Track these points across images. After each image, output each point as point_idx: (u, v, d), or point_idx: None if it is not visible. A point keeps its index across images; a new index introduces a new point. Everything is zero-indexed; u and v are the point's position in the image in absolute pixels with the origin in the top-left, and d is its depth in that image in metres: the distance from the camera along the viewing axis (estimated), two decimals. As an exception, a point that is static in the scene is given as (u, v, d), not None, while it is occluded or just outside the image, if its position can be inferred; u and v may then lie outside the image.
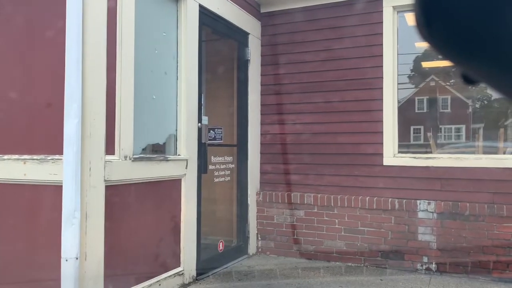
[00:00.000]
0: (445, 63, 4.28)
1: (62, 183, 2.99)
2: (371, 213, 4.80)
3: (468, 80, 0.53)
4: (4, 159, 3.35)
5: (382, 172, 4.81)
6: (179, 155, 4.11)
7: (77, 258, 2.95)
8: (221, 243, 4.89)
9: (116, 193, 3.34)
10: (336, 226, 4.96)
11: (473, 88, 4.94)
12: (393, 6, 4.81)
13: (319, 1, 5.14)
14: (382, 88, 4.84)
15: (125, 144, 3.42)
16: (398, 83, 4.90)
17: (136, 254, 3.60)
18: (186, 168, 4.12)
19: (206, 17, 4.56)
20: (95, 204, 3.13)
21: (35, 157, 3.20)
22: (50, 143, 3.16)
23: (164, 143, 4.06)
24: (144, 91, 3.72)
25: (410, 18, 4.75)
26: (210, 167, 4.77)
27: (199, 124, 4.33)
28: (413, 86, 5.70)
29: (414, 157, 4.73)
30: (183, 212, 4.10)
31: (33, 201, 3.27)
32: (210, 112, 5.76)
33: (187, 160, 4.13)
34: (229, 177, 5.24)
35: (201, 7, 4.36)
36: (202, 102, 4.46)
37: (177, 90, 4.14)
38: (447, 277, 4.41)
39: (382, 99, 4.84)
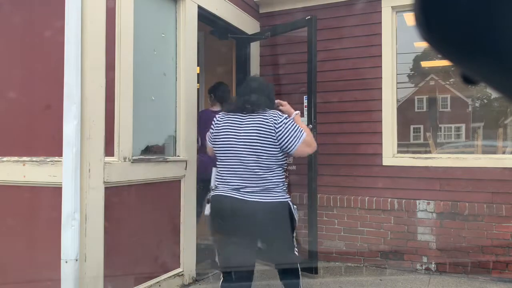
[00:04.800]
0: (445, 63, 4.28)
1: (61, 184, 2.99)
2: (370, 214, 4.81)
3: (468, 80, 0.53)
4: (4, 161, 3.35)
5: (381, 172, 4.81)
6: (178, 156, 4.11)
7: (76, 260, 2.95)
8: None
9: (115, 195, 3.34)
10: (336, 226, 4.97)
11: (473, 87, 4.94)
12: (392, 7, 4.81)
13: (318, 2, 5.15)
14: (381, 88, 4.84)
15: (124, 145, 3.42)
16: (397, 83, 4.90)
17: (135, 255, 3.60)
18: (185, 169, 4.12)
19: (205, 17, 4.56)
20: (95, 205, 3.12)
21: (34, 158, 3.19)
22: (50, 145, 3.16)
23: (164, 144, 4.06)
24: (143, 92, 3.71)
25: (409, 18, 4.75)
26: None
27: None
28: (412, 85, 5.71)
29: (413, 157, 4.74)
30: (183, 213, 4.10)
31: (33, 202, 3.27)
32: (209, 112, 5.77)
33: (186, 161, 4.13)
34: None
35: (200, 8, 4.36)
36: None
37: (176, 91, 4.14)
38: (446, 277, 4.41)
39: (381, 99, 4.84)
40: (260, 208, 2.77)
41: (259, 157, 2.83)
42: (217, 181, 2.95)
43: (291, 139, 2.80)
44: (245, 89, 3.07)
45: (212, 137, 3.02)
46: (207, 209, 3.22)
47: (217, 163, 2.99)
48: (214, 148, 3.01)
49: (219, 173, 2.95)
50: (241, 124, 2.90)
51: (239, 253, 2.84)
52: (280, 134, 2.82)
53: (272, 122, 2.84)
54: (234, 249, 2.85)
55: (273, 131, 2.82)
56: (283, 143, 2.83)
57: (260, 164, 2.83)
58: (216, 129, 3.00)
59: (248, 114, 2.92)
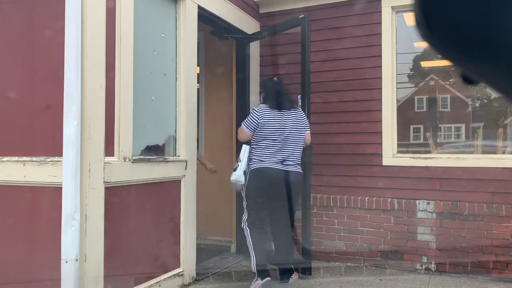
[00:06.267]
0: (445, 63, 4.28)
1: (61, 185, 2.99)
2: (370, 213, 4.81)
3: (468, 80, 0.53)
4: (4, 161, 3.35)
5: (381, 172, 4.81)
6: (178, 156, 4.11)
7: (77, 260, 2.95)
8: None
9: (115, 195, 3.34)
10: (336, 226, 4.97)
11: (473, 87, 4.95)
12: (391, 7, 4.81)
13: (318, 2, 5.15)
14: (381, 88, 4.84)
15: (124, 145, 3.42)
16: (397, 83, 4.90)
17: (135, 255, 3.60)
18: (185, 169, 4.12)
19: (205, 17, 4.56)
20: (95, 205, 3.12)
21: (34, 158, 3.19)
22: (50, 145, 3.16)
23: (164, 144, 4.06)
24: (143, 92, 3.71)
25: (409, 18, 4.75)
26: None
27: None
28: (412, 85, 5.71)
29: (413, 157, 4.74)
30: (183, 213, 4.10)
31: (33, 202, 3.27)
32: (210, 112, 5.77)
33: (186, 161, 4.13)
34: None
35: (200, 8, 4.36)
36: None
37: (176, 91, 4.14)
38: (446, 277, 4.42)
39: (381, 100, 4.84)
40: (294, 176, 4.03)
41: (299, 141, 4.09)
42: (261, 156, 4.01)
43: (308, 125, 4.23)
44: (280, 91, 4.20)
45: (260, 126, 4.00)
46: (234, 176, 4.12)
47: (261, 143, 4.02)
48: (261, 134, 4.01)
49: (264, 150, 4.01)
50: (286, 118, 4.07)
51: (269, 208, 4.08)
52: (305, 121, 4.19)
53: (303, 117, 4.20)
54: (266, 205, 4.06)
55: (305, 123, 4.19)
56: (305, 126, 4.18)
57: (298, 145, 4.09)
58: (263, 120, 4.01)
59: (287, 110, 4.10)
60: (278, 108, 4.07)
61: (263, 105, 4.13)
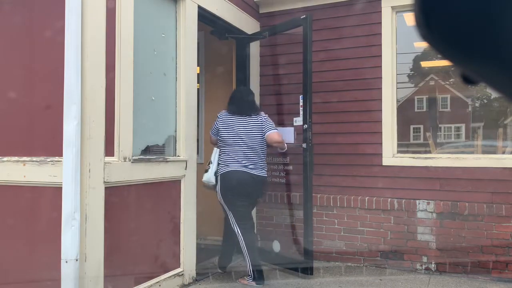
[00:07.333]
0: (445, 63, 4.28)
1: (61, 184, 2.99)
2: (370, 213, 4.81)
3: (468, 80, 0.53)
4: (4, 161, 3.35)
5: (381, 172, 4.81)
6: (178, 156, 4.11)
7: (77, 260, 2.95)
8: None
9: (115, 194, 3.35)
10: (336, 226, 4.97)
11: (473, 87, 4.94)
12: (391, 7, 4.81)
13: (318, 2, 5.15)
14: (381, 88, 4.84)
15: (124, 145, 3.42)
16: (397, 83, 4.90)
17: (136, 255, 3.60)
18: (185, 169, 4.13)
19: (205, 17, 4.56)
20: (95, 205, 3.12)
21: (34, 158, 3.19)
22: (50, 145, 3.16)
23: (164, 144, 4.06)
24: (143, 92, 3.72)
25: (409, 18, 4.75)
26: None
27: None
28: (412, 85, 5.71)
29: (413, 157, 4.74)
30: (183, 213, 4.10)
31: (33, 202, 3.27)
32: (209, 112, 5.77)
33: (186, 161, 4.13)
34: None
35: (200, 8, 4.36)
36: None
37: (176, 91, 4.14)
38: (446, 277, 4.42)
39: (381, 99, 4.84)
40: (258, 178, 4.26)
41: (258, 146, 4.26)
42: (225, 161, 4.22)
43: (268, 126, 4.30)
44: (242, 99, 4.41)
45: (221, 131, 4.26)
46: (205, 177, 4.35)
47: (225, 148, 4.25)
48: (222, 139, 4.25)
49: (229, 155, 4.22)
50: (244, 124, 4.27)
51: (246, 206, 4.30)
52: (264, 124, 4.30)
53: (261, 121, 4.32)
54: (243, 203, 4.24)
55: (265, 125, 4.31)
56: (264, 129, 4.28)
57: (258, 149, 4.27)
58: (220, 126, 4.28)
59: (246, 116, 4.30)
60: (237, 113, 4.28)
61: (224, 111, 4.38)
